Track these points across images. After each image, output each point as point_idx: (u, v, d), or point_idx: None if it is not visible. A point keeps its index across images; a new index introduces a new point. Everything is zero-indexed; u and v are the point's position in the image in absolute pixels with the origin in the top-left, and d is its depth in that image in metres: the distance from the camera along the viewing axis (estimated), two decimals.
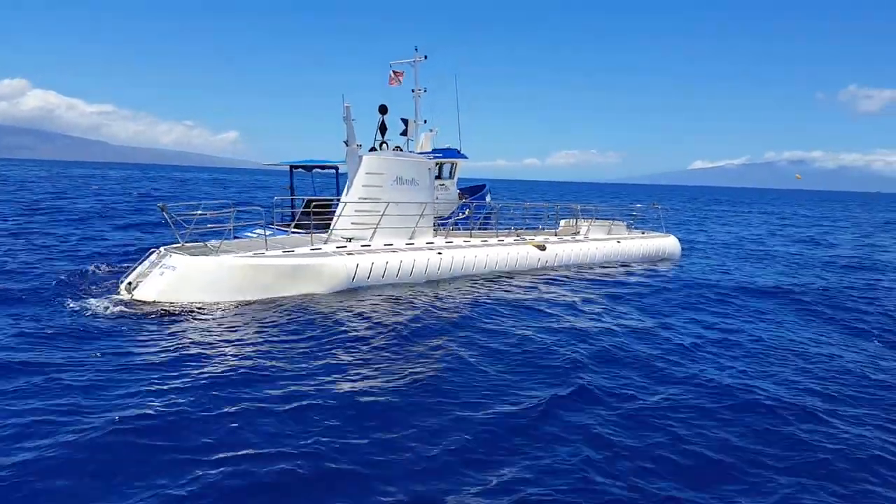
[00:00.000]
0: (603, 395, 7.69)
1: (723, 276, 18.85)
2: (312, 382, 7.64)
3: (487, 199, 20.15)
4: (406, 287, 13.93)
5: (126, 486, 5.08)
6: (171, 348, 8.81)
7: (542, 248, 18.17)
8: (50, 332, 9.21)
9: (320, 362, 8.46)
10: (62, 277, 12.98)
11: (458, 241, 16.81)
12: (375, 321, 10.82)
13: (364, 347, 9.29)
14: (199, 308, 11.07)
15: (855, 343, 11.31)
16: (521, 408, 7.18)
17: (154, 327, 9.88)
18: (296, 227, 15.97)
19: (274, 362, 8.34)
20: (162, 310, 10.80)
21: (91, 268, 14.14)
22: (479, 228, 18.46)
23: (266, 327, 10.15)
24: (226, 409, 6.63)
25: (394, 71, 19.10)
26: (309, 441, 6.00)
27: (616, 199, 70.73)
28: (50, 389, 7.00)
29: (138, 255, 14.28)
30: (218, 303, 11.47)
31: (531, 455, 6.02)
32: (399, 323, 10.74)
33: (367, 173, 15.32)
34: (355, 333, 9.99)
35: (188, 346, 8.92)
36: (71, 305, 10.82)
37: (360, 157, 15.42)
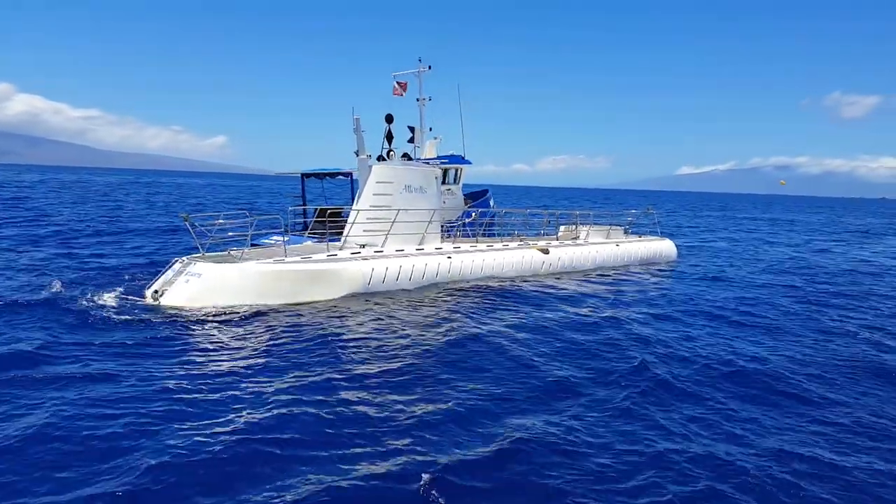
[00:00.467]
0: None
1: (720, 274, 19.76)
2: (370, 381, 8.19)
3: (491, 203, 20.77)
4: (420, 290, 14.56)
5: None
6: (231, 351, 9.33)
7: (546, 251, 18.81)
8: (99, 342, 9.43)
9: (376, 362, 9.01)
10: (89, 286, 13.37)
11: (465, 246, 17.41)
12: (405, 322, 11.42)
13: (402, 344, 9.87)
14: (230, 311, 11.59)
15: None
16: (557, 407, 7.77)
17: (199, 331, 10.41)
18: (309, 234, 16.50)
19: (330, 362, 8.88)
20: (196, 315, 11.30)
21: (126, 277, 14.53)
22: (483, 234, 19.06)
23: (303, 328, 10.68)
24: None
25: (398, 82, 19.63)
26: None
27: (609, 205, 71.80)
28: (148, 395, 7.33)
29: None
30: (247, 306, 12.01)
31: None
32: (420, 323, 11.33)
33: (377, 182, 15.87)
34: (398, 333, 10.60)
35: (246, 349, 9.44)
36: (98, 313, 11.02)
37: (370, 167, 15.98)
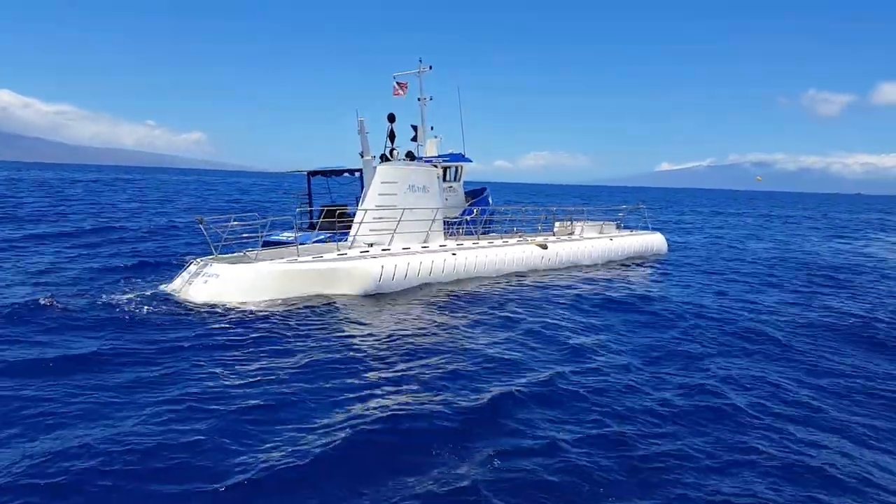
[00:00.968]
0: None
1: (711, 266, 20.58)
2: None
3: (490, 201, 21.30)
4: (430, 287, 15.02)
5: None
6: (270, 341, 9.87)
7: (544, 247, 19.32)
8: (135, 345, 9.46)
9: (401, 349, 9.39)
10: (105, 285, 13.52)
11: (467, 243, 17.85)
12: (420, 316, 11.82)
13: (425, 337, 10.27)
14: (261, 309, 11.99)
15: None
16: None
17: (244, 328, 10.75)
18: (317, 232, 16.84)
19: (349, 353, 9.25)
20: (228, 312, 11.65)
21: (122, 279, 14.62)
22: (483, 230, 19.53)
23: (317, 322, 11.03)
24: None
25: (397, 82, 19.98)
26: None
27: (594, 201, 72.75)
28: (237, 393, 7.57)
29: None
30: (266, 301, 12.42)
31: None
32: (436, 318, 11.75)
33: (382, 182, 16.23)
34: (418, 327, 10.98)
35: (282, 339, 9.97)
36: (132, 315, 11.12)
37: (375, 168, 16.33)
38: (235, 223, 13.57)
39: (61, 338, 9.61)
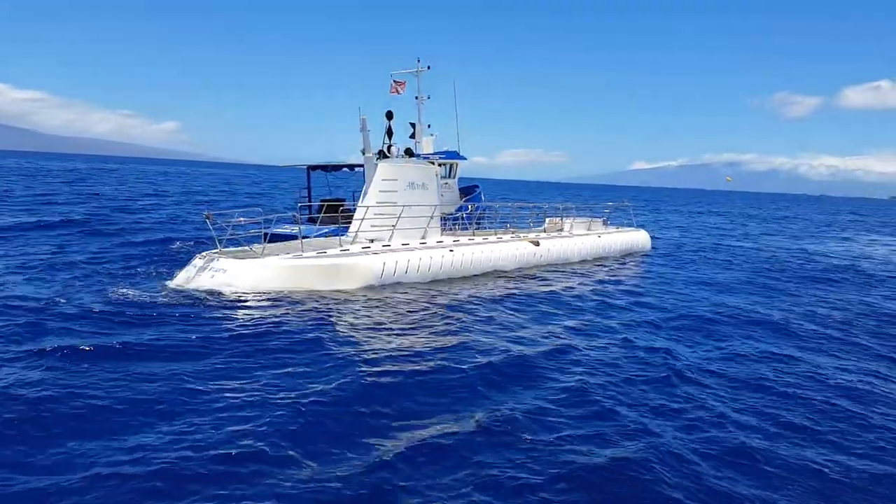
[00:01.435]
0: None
1: (690, 259, 21.43)
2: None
3: (482, 197, 21.79)
4: (429, 282, 15.46)
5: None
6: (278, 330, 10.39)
7: (537, 244, 19.87)
8: (168, 341, 9.47)
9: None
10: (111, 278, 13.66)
11: (463, 239, 18.31)
12: (425, 309, 12.29)
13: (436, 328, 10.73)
14: (276, 301, 12.32)
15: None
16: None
17: (266, 319, 11.08)
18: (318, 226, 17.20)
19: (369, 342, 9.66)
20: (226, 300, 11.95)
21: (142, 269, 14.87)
22: (476, 227, 20.00)
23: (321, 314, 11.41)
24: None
25: (395, 80, 20.30)
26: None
27: (578, 198, 73.73)
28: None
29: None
30: (272, 294, 12.72)
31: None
32: (438, 312, 12.22)
33: (382, 179, 16.60)
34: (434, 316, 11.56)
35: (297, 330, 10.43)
36: (131, 304, 11.38)
37: (376, 165, 16.67)
38: (242, 219, 13.87)
39: (61, 338, 9.28)
